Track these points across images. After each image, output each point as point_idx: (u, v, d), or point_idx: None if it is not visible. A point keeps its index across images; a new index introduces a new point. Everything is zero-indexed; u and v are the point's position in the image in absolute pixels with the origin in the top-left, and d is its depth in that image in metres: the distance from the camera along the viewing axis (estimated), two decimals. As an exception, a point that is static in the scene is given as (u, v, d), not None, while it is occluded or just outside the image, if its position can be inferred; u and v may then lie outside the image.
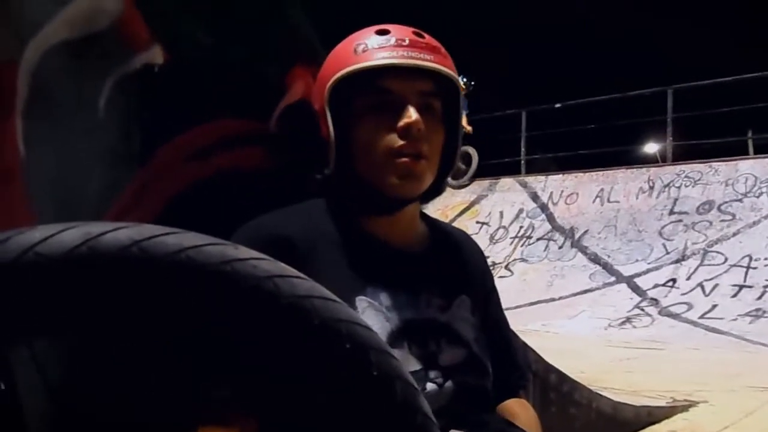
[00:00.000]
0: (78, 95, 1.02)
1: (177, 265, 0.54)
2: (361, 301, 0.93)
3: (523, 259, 9.01)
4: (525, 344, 2.32)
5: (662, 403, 3.56)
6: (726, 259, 7.62)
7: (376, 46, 0.95)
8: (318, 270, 0.62)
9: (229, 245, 0.58)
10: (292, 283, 0.59)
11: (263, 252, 0.62)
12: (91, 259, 0.52)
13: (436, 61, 0.96)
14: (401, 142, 0.94)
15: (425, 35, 0.99)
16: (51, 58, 0.98)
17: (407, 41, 0.95)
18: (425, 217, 1.11)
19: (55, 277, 0.52)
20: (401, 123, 0.93)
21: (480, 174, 9.47)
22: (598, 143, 11.18)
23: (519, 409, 1.06)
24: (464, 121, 9.27)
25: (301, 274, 0.61)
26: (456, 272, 1.06)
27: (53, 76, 0.98)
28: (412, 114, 0.93)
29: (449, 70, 0.97)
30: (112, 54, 1.06)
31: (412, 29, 0.99)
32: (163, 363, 0.55)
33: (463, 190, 10.42)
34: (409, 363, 0.91)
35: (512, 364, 1.09)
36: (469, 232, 9.56)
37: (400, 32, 0.97)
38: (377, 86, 0.95)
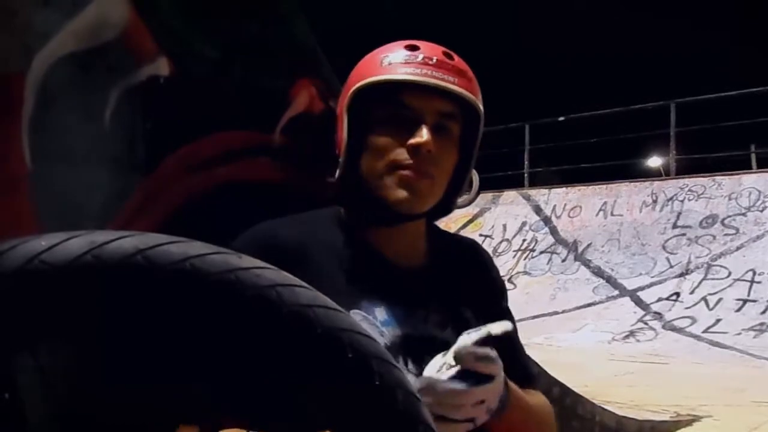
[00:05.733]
0: (84, 106, 1.03)
1: (181, 274, 0.54)
2: (356, 315, 0.91)
3: (526, 272, 9.00)
4: (528, 357, 2.32)
5: (666, 417, 3.55)
6: (730, 273, 7.61)
7: (401, 61, 0.95)
8: (312, 280, 0.62)
9: (233, 254, 0.58)
10: (295, 292, 0.59)
11: (257, 259, 0.62)
12: (95, 268, 0.53)
13: (459, 84, 0.95)
14: (408, 159, 0.94)
15: (455, 57, 0.98)
16: (58, 69, 0.99)
17: (434, 60, 0.95)
18: (434, 230, 1.10)
19: (59, 285, 0.52)
20: (412, 141, 0.93)
21: (483, 187, 9.46)
22: (601, 156, 11.18)
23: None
24: None
25: (304, 284, 0.61)
26: (459, 287, 1.04)
27: (60, 87, 0.99)
28: (424, 134, 0.93)
29: (470, 95, 0.96)
30: (118, 66, 1.07)
31: (442, 49, 0.99)
32: (165, 370, 0.55)
33: (466, 202, 10.41)
34: None
35: (519, 363, 1.06)
36: (472, 245, 9.49)
37: (429, 50, 0.97)
38: (396, 100, 0.95)
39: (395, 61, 0.96)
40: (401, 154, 0.94)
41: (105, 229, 1.00)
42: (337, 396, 0.60)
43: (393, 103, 0.95)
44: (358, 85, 0.96)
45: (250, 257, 0.59)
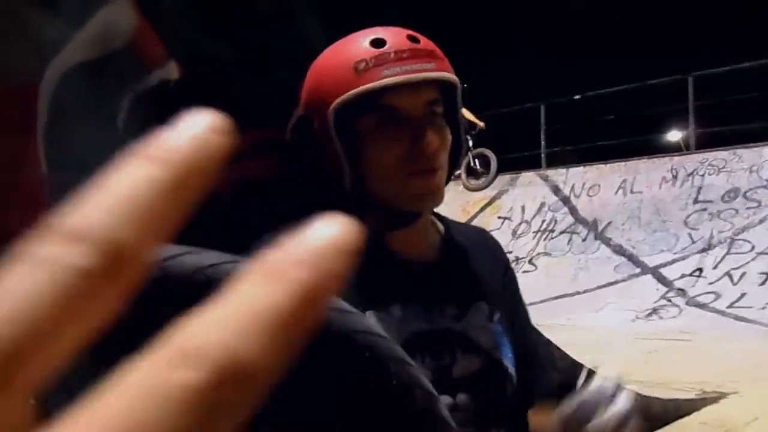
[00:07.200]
0: (97, 114, 1.04)
1: (195, 284, 0.55)
2: (372, 315, 0.92)
3: (546, 253, 8.96)
4: (548, 341, 2.32)
5: (691, 395, 3.53)
6: (753, 247, 7.52)
7: (377, 63, 0.92)
8: None
9: (247, 262, 0.59)
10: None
11: None
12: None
13: (437, 68, 0.94)
14: (417, 162, 0.93)
15: (420, 38, 0.96)
16: (69, 79, 1.00)
17: (406, 52, 0.93)
18: (439, 219, 1.10)
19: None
20: (417, 146, 0.92)
21: (500, 168, 9.40)
22: (619, 133, 11.09)
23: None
24: (473, 117, 9.12)
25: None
26: (471, 278, 1.05)
27: (72, 96, 1.01)
28: (428, 135, 0.92)
29: (451, 75, 0.96)
30: (129, 72, 1.08)
31: (406, 33, 0.96)
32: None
33: (483, 185, 10.38)
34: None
35: (538, 363, 1.08)
36: (490, 227, 9.38)
37: (396, 41, 0.94)
38: (383, 105, 0.93)
39: (371, 65, 0.92)
40: (406, 160, 0.93)
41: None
42: (356, 397, 0.61)
43: (380, 110, 0.93)
44: (341, 99, 0.93)
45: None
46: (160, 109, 1.13)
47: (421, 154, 0.93)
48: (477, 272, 1.06)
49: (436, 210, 1.09)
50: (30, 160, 0.99)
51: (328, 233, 0.14)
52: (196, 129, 0.15)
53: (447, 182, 1.02)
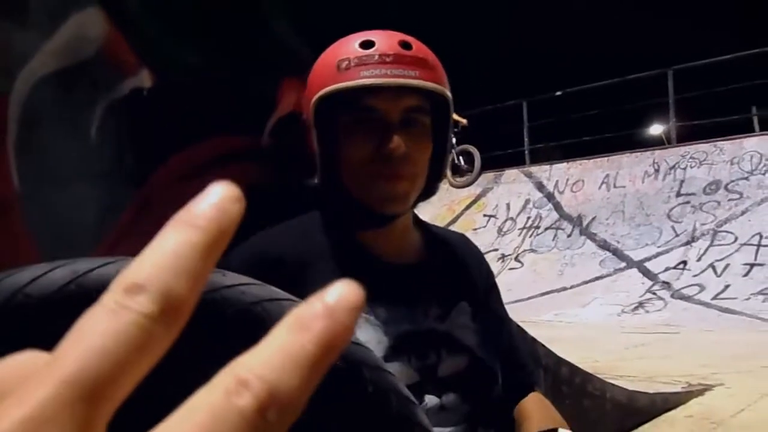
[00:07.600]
0: (69, 124, 1.03)
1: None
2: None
3: (532, 250, 9.00)
4: (533, 339, 2.32)
5: (677, 388, 3.55)
6: (736, 239, 7.60)
7: (357, 63, 0.93)
8: (312, 287, 0.62)
9: (218, 272, 0.58)
10: (282, 305, 0.60)
11: (255, 273, 0.62)
12: (79, 297, 0.53)
13: (421, 76, 0.93)
14: (382, 165, 0.93)
15: (413, 44, 0.96)
16: (40, 89, 0.99)
17: (391, 56, 0.93)
18: (420, 224, 1.10)
19: (45, 316, 0.52)
20: (382, 149, 0.92)
21: (484, 167, 9.41)
22: (601, 129, 11.13)
23: (533, 406, 1.05)
24: (455, 115, 9.09)
25: (292, 297, 0.62)
26: (454, 279, 1.05)
27: (44, 106, 0.99)
28: (393, 140, 0.92)
29: (435, 85, 0.94)
30: (101, 81, 1.07)
31: (399, 38, 0.95)
32: (150, 395, 0.56)
33: (468, 183, 10.40)
34: (407, 376, 0.91)
35: (519, 363, 1.09)
36: (476, 225, 9.37)
37: (384, 44, 0.94)
38: (360, 104, 0.93)
39: (353, 65, 0.93)
40: (375, 161, 0.93)
41: (101, 243, 1.00)
42: (332, 407, 0.61)
43: (357, 108, 0.94)
44: (319, 94, 0.94)
45: (234, 274, 0.59)
46: (134, 117, 1.13)
47: (386, 157, 0.93)
48: (459, 273, 1.07)
49: (418, 212, 1.10)
50: (2, 174, 0.98)
51: (340, 294, 0.18)
52: (220, 199, 0.19)
53: (429, 191, 1.02)
